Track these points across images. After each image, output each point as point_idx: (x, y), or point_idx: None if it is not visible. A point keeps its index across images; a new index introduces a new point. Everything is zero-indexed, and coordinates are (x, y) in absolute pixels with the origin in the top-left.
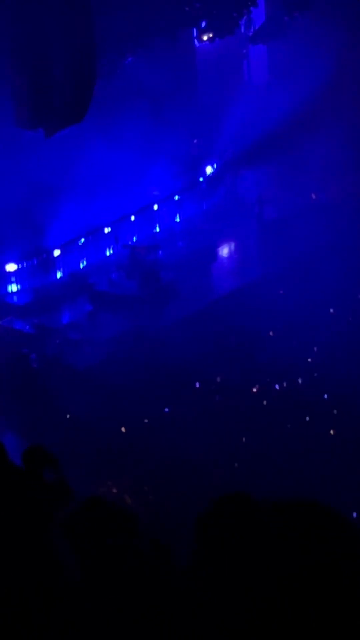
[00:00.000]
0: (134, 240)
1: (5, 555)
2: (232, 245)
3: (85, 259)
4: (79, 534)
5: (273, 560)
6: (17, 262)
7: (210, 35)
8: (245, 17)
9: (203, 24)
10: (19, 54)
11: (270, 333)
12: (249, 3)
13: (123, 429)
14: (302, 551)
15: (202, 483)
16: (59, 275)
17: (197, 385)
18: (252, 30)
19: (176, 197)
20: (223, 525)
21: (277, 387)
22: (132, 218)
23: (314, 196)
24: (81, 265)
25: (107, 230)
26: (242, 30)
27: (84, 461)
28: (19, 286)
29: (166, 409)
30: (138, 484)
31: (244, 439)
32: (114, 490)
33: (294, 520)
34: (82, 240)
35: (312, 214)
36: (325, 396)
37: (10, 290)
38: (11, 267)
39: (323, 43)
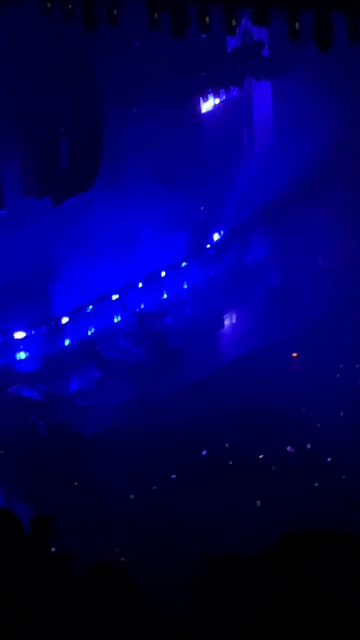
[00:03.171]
0: (142, 307)
1: (11, 621)
2: (240, 311)
3: (93, 326)
4: (83, 601)
5: (270, 618)
6: (25, 330)
7: (216, 101)
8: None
9: (209, 91)
10: (25, 124)
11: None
12: (255, 55)
13: (132, 497)
14: (298, 608)
15: (211, 550)
16: (67, 342)
17: (204, 452)
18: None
19: (183, 264)
20: (220, 586)
21: (285, 452)
22: (140, 285)
23: (320, 262)
24: (89, 332)
25: (114, 297)
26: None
27: (92, 528)
28: (27, 354)
29: (173, 476)
30: (146, 551)
31: (255, 504)
32: (122, 559)
33: (291, 578)
34: (90, 307)
35: (319, 279)
36: (334, 462)
37: (18, 358)
38: (19, 334)
39: (327, 108)
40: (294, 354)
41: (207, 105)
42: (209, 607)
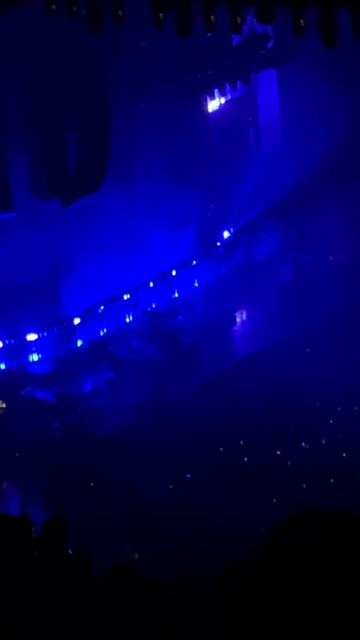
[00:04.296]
0: (153, 306)
1: (29, 627)
2: (251, 308)
3: (105, 326)
4: (107, 603)
5: (287, 619)
6: (37, 332)
7: (222, 100)
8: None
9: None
10: (33, 124)
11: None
12: (260, 48)
13: (147, 496)
14: (297, 608)
15: (227, 548)
16: (79, 343)
17: (221, 449)
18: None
19: (194, 262)
20: (239, 586)
21: (300, 448)
22: (151, 284)
23: (331, 258)
24: (101, 333)
25: (126, 297)
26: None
27: (108, 528)
28: (39, 355)
29: (188, 475)
30: (161, 550)
31: (272, 501)
32: (135, 557)
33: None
34: (102, 307)
35: (330, 276)
36: (349, 457)
37: (31, 360)
38: (32, 336)
39: (335, 102)
40: (307, 350)
41: (214, 104)
42: (227, 607)
